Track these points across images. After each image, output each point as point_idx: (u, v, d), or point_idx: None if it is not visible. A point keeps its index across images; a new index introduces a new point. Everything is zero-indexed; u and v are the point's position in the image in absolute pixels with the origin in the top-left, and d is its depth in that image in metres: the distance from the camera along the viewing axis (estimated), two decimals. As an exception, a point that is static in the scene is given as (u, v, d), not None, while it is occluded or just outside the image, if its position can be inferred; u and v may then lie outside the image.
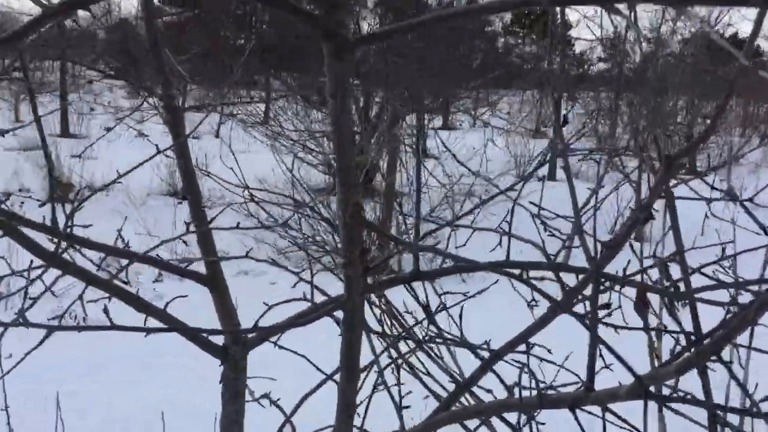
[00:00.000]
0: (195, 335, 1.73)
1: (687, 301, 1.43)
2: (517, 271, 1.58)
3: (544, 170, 12.16)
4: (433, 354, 1.76)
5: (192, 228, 1.57)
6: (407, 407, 1.43)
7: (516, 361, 1.37)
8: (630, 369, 0.95)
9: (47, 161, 7.89)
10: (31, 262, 1.58)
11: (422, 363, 1.84)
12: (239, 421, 1.77)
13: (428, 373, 1.92)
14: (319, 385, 1.24)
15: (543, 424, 1.63)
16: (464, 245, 1.75)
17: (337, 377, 1.20)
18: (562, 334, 1.65)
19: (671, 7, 0.57)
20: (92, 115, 13.66)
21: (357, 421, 1.47)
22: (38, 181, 8.35)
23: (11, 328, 1.19)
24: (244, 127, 10.07)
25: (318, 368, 1.36)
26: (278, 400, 1.65)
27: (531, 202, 1.46)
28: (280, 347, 1.42)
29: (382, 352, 1.38)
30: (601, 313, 1.31)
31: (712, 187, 1.44)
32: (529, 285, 1.51)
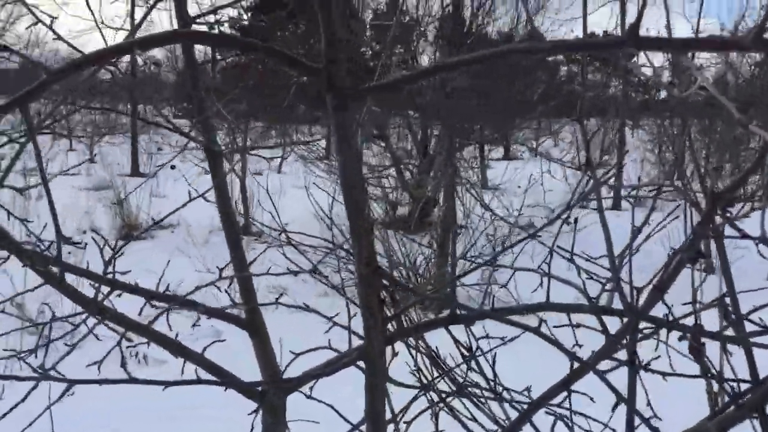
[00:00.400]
0: (235, 381, 1.73)
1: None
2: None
3: (606, 201, 11.87)
4: (475, 398, 1.71)
5: (225, 273, 1.58)
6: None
7: (554, 409, 1.31)
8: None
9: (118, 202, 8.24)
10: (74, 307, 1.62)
11: (465, 406, 1.79)
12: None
13: (473, 418, 1.87)
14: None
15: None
16: (504, 286, 1.70)
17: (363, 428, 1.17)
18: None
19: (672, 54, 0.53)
20: (161, 154, 14.17)
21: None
22: (108, 220, 8.68)
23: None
24: (304, 163, 10.23)
25: (344, 418, 1.33)
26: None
27: (563, 248, 1.40)
28: (309, 397, 1.40)
29: (417, 396, 1.35)
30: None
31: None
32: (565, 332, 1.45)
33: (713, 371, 1.54)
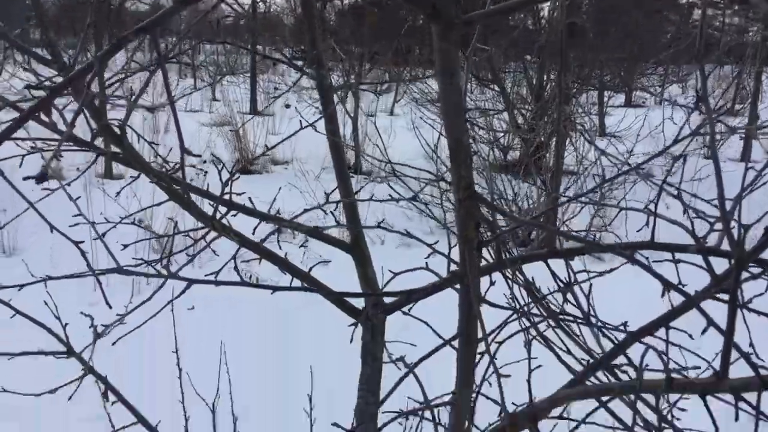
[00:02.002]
0: (338, 298, 1.83)
1: None
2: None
3: (734, 151, 11.14)
4: (568, 329, 1.72)
5: (331, 198, 1.65)
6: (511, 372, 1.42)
7: (647, 345, 1.31)
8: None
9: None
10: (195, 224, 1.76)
11: (559, 337, 1.80)
12: (376, 380, 1.85)
13: (567, 350, 1.88)
14: (436, 349, 1.27)
15: (683, 410, 1.54)
16: (607, 226, 1.68)
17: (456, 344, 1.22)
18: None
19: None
20: (278, 94, 14.59)
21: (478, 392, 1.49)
22: (227, 154, 9.09)
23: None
24: (415, 105, 10.23)
25: (438, 334, 1.38)
26: (413, 364, 1.71)
27: (676, 187, 1.37)
28: (405, 313, 1.47)
29: (509, 320, 1.38)
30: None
31: None
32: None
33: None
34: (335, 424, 1.41)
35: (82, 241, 1.41)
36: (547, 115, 9.22)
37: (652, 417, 1.65)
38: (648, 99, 18.13)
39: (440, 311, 1.74)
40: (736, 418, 1.07)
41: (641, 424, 1.28)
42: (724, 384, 1.08)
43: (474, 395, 1.33)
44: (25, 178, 1.40)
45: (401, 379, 1.28)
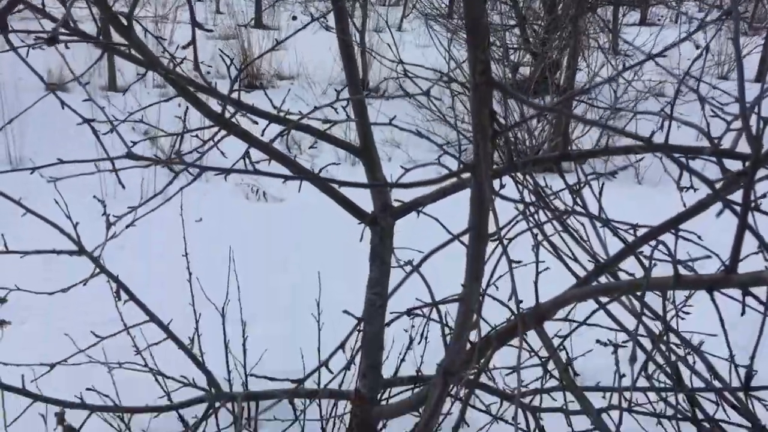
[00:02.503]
0: (347, 202, 1.83)
1: None
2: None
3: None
4: (576, 234, 1.72)
5: (342, 96, 1.63)
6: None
7: (658, 240, 1.31)
8: None
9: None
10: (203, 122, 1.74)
11: (566, 243, 1.81)
12: (384, 283, 1.88)
13: (574, 258, 1.90)
14: (446, 243, 1.27)
15: (688, 313, 1.56)
16: (622, 130, 1.66)
17: (465, 241, 1.22)
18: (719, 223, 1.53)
19: None
20: (284, 6, 14.20)
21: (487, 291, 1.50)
22: (232, 69, 8.92)
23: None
24: (425, 21, 9.95)
25: (447, 229, 1.39)
26: (418, 262, 1.72)
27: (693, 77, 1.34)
28: (419, 212, 1.47)
29: (517, 219, 1.38)
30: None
31: None
32: (688, 170, 1.41)
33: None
34: (346, 312, 1.44)
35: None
36: (560, 29, 8.97)
37: (655, 323, 1.67)
38: (664, 17, 17.60)
39: (450, 219, 1.75)
40: (743, 313, 1.08)
41: (644, 324, 1.29)
42: (733, 279, 1.08)
43: (482, 292, 1.35)
44: (33, 34, 1.37)
45: (406, 277, 1.29)
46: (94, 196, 1.61)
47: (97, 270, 1.77)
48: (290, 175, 1.43)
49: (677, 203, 1.47)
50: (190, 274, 2.11)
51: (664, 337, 1.84)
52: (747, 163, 1.34)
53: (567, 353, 1.62)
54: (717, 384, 1.99)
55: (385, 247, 1.85)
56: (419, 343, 1.80)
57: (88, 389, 1.80)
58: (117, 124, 1.56)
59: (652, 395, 2.09)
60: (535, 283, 1.55)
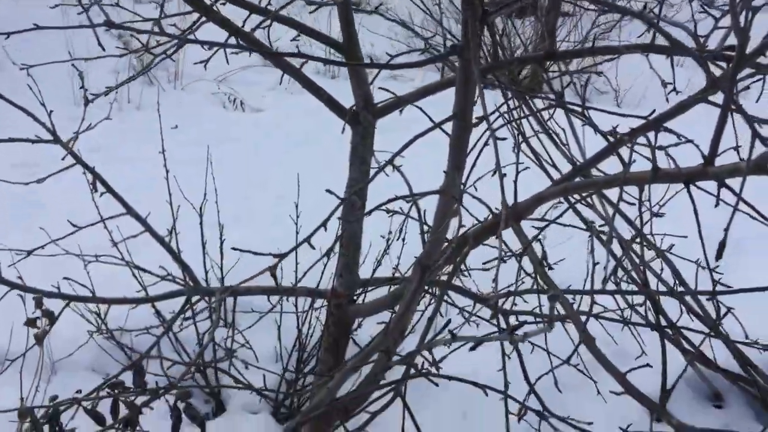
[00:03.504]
0: (329, 97, 1.80)
1: None
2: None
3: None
4: (555, 137, 1.73)
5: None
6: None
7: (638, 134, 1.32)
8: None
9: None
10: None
11: (544, 147, 1.82)
12: (364, 181, 1.87)
13: (552, 163, 1.91)
14: (428, 130, 1.27)
15: (662, 214, 1.59)
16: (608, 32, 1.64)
17: (448, 129, 1.21)
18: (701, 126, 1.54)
19: None
20: None
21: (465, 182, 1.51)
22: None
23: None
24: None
25: (430, 118, 1.38)
26: (401, 166, 1.72)
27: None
28: (413, 105, 1.45)
29: (498, 109, 1.38)
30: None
31: None
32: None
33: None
34: (328, 191, 1.44)
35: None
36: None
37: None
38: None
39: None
40: (716, 204, 1.10)
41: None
42: (709, 172, 1.10)
43: (462, 187, 1.36)
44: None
45: (379, 170, 1.29)
46: (72, 65, 1.55)
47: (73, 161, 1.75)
48: (275, 52, 1.39)
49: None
50: (167, 171, 2.09)
51: (637, 240, 1.88)
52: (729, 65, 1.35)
53: (543, 249, 1.65)
54: (681, 289, 2.06)
55: (365, 146, 1.84)
56: (398, 239, 1.82)
57: (65, 278, 1.80)
58: (88, 6, 1.50)
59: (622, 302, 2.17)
60: (515, 182, 1.56)
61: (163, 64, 5.09)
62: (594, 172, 1.55)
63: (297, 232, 2.23)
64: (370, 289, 2.00)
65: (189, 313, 2.00)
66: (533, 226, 1.61)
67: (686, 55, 1.43)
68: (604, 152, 1.46)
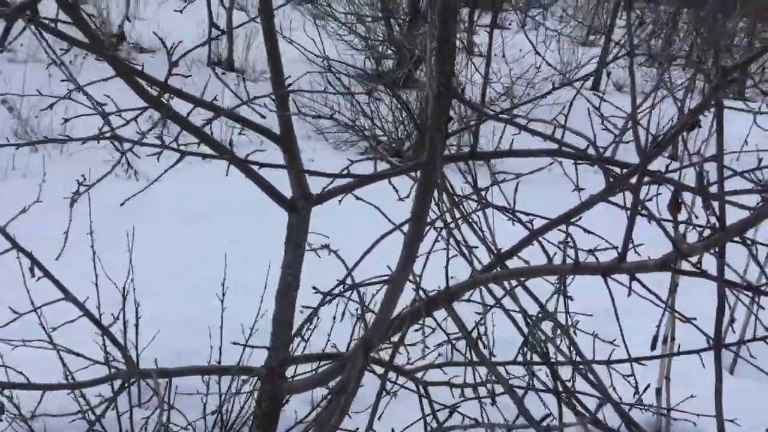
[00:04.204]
0: (269, 186, 1.92)
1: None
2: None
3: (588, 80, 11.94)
4: (477, 228, 1.94)
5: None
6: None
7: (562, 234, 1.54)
8: (669, 237, 1.11)
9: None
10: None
11: (476, 233, 2.02)
12: (298, 265, 1.99)
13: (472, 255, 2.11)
14: (388, 233, 1.43)
15: (571, 299, 1.83)
16: (518, 134, 1.89)
17: (404, 229, 1.37)
18: (602, 222, 1.80)
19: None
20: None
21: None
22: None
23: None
24: (294, 5, 9.96)
25: (388, 218, 1.54)
26: (338, 250, 1.86)
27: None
28: (357, 198, 1.61)
29: (441, 215, 1.56)
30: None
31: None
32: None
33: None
34: (315, 288, 1.54)
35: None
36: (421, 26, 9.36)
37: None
38: (513, 22, 18.70)
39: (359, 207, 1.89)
40: (629, 294, 1.33)
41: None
42: (623, 266, 1.33)
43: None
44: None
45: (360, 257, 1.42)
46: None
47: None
48: (213, 155, 1.51)
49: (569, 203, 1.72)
50: (94, 253, 2.10)
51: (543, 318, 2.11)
52: (624, 170, 1.62)
53: (478, 330, 1.83)
54: (577, 359, 2.32)
55: (300, 232, 1.97)
56: (339, 321, 1.94)
57: (2, 366, 1.77)
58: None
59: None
60: (446, 268, 1.75)
61: (49, 130, 4.96)
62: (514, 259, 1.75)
63: (223, 309, 2.29)
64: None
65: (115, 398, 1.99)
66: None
67: (589, 160, 1.70)
68: (524, 242, 1.68)
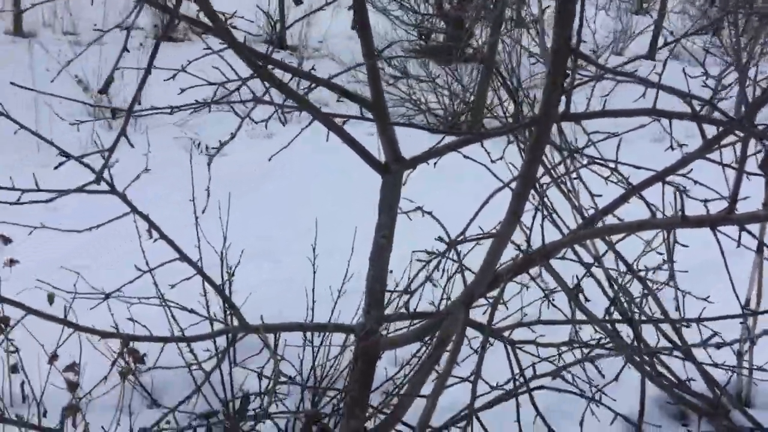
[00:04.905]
0: (363, 150, 2.00)
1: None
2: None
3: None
4: (569, 189, 1.99)
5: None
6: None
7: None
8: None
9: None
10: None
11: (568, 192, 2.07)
12: (391, 226, 2.07)
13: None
14: (498, 190, 1.49)
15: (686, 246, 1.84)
16: (608, 94, 1.91)
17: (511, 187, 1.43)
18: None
19: None
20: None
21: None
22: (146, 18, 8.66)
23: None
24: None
25: (496, 176, 1.60)
26: (431, 212, 1.93)
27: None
28: (466, 156, 1.67)
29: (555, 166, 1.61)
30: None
31: None
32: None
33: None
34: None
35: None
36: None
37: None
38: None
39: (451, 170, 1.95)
40: (738, 245, 1.36)
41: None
42: (733, 218, 1.37)
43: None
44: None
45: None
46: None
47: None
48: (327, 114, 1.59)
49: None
50: (196, 218, 2.21)
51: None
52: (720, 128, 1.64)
53: (578, 286, 1.87)
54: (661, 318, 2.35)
55: (394, 195, 2.04)
56: (440, 278, 2.02)
57: (129, 319, 1.90)
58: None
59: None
60: (541, 226, 1.80)
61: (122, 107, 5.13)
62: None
63: (314, 272, 2.39)
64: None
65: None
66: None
67: (683, 118, 1.72)
68: (622, 198, 1.72)
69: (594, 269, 2.08)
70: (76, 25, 7.81)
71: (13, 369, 1.84)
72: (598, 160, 1.65)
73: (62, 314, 1.73)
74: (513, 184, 1.51)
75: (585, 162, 1.69)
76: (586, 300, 1.78)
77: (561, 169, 1.82)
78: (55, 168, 1.75)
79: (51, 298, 2.08)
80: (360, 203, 2.27)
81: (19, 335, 1.90)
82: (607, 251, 1.81)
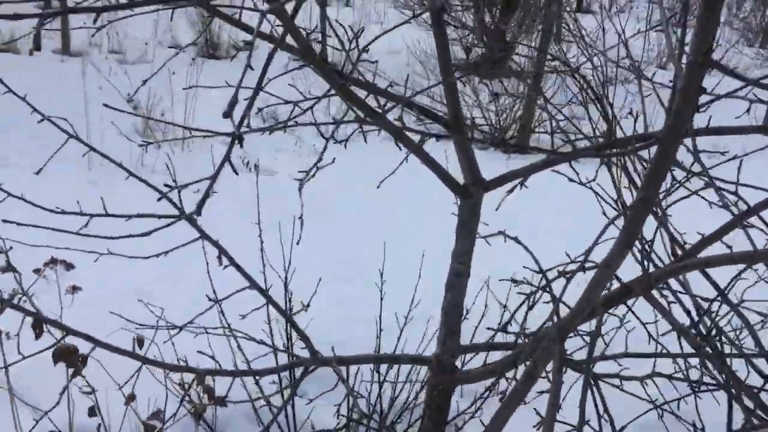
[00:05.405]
0: (445, 173, 1.89)
1: None
2: None
3: None
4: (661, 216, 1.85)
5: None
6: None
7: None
8: None
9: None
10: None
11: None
12: (469, 253, 1.95)
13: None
14: (616, 217, 1.36)
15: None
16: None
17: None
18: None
19: None
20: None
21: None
22: (191, 37, 8.73)
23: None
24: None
25: (616, 201, 1.47)
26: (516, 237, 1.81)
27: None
28: (558, 172, 1.56)
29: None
30: None
31: None
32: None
33: None
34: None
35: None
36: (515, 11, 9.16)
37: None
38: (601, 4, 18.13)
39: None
40: None
41: None
42: None
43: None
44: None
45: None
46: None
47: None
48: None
49: None
50: (261, 242, 2.12)
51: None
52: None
53: (695, 320, 1.72)
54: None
55: (473, 219, 1.92)
56: (527, 311, 1.89)
57: (198, 352, 1.81)
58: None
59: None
60: (643, 252, 1.67)
61: (170, 128, 5.11)
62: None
63: (381, 298, 2.28)
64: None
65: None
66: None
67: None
68: (729, 226, 1.58)
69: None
70: (121, 44, 7.88)
71: (91, 413, 1.74)
72: (719, 181, 1.51)
73: (130, 346, 1.63)
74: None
75: (702, 184, 1.55)
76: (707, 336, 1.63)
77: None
78: (158, 200, 1.66)
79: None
80: (430, 223, 2.15)
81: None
82: (735, 280, 1.66)
